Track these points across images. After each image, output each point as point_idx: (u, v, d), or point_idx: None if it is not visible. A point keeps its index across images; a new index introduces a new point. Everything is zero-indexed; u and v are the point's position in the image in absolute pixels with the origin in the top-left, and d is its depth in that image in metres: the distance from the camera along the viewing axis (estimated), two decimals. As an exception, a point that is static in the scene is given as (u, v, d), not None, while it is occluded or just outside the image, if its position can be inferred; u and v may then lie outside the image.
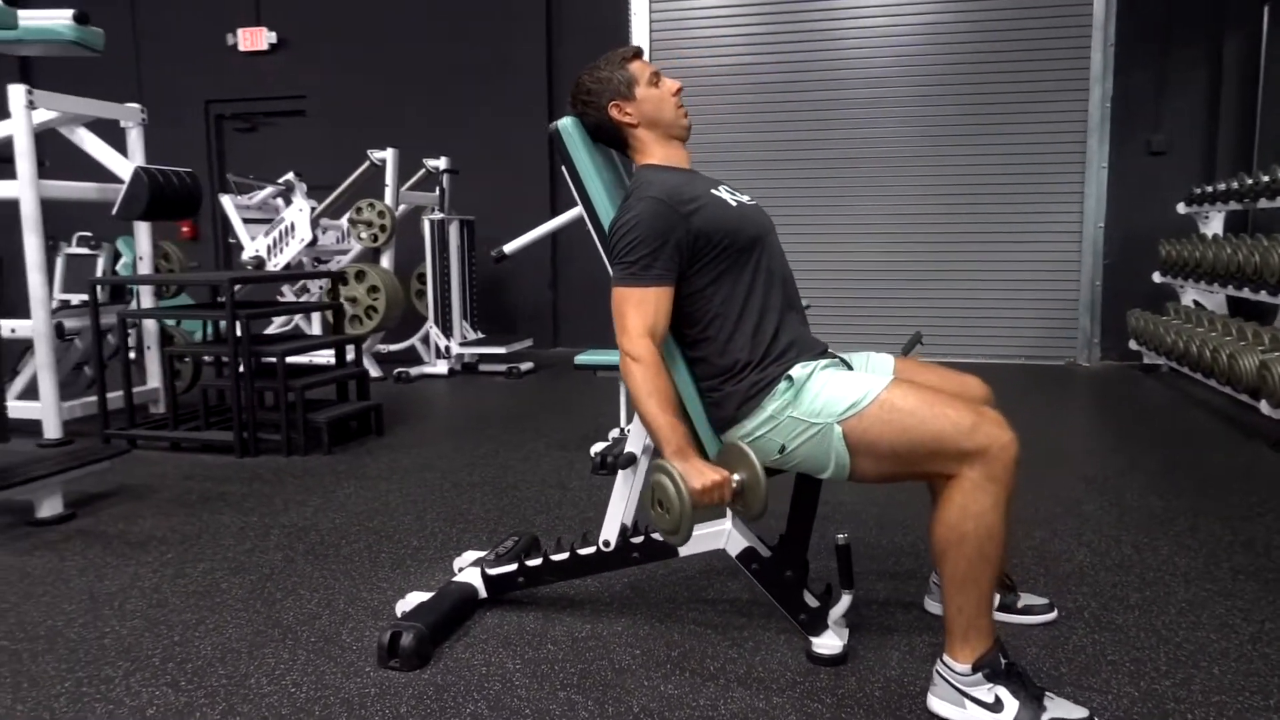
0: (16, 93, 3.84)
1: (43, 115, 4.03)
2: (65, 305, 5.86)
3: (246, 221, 6.25)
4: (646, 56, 6.69)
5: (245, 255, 6.03)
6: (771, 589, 1.99)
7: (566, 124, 1.96)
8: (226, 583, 2.41)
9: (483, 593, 2.19)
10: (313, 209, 5.86)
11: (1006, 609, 2.10)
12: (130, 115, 4.41)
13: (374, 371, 5.96)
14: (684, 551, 2.04)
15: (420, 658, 1.92)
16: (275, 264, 6.00)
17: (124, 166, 4.13)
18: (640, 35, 6.77)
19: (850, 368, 1.96)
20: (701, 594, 2.29)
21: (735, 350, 1.84)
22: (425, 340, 6.26)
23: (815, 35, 6.57)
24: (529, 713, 1.73)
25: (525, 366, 6.02)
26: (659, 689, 1.81)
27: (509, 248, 5.22)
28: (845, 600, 1.94)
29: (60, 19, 3.09)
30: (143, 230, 4.52)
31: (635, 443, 2.06)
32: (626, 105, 1.95)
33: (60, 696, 1.82)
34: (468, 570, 2.23)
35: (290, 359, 3.81)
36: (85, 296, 4.53)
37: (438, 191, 6.12)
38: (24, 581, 2.44)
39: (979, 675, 1.66)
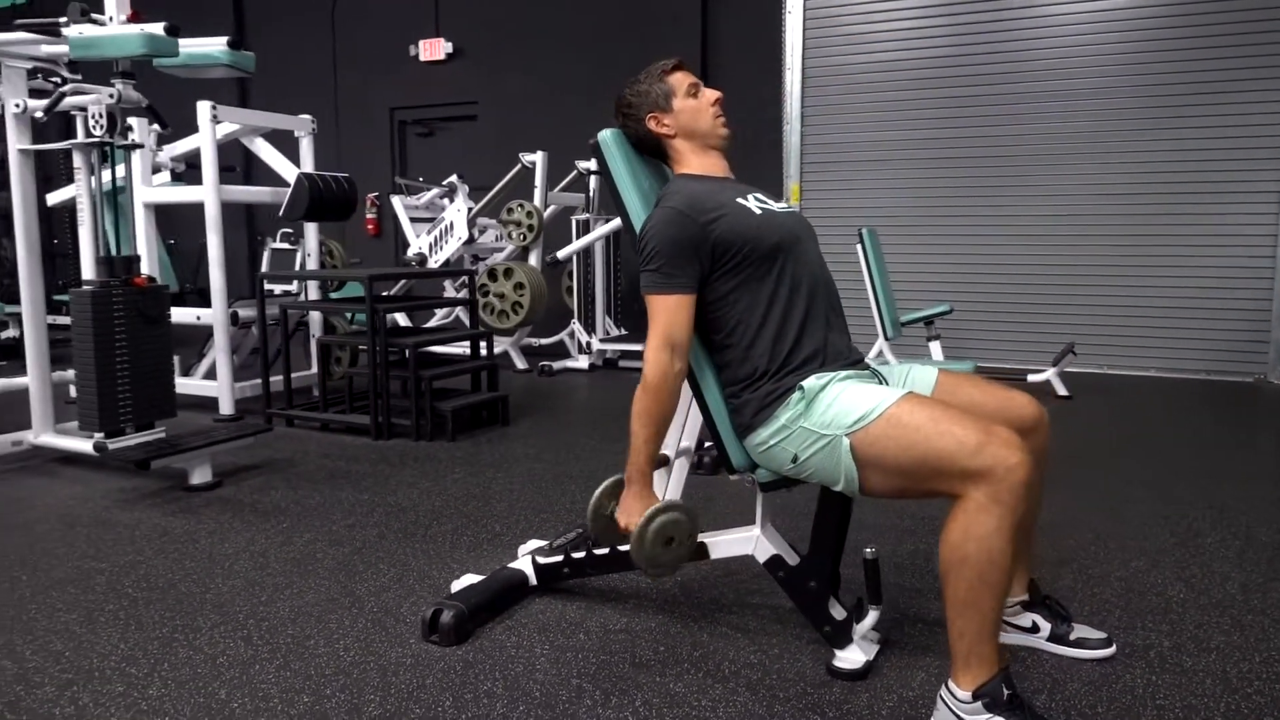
0: (203, 108, 4.35)
1: (226, 128, 4.54)
2: (270, 295, 6.55)
3: (414, 220, 6.73)
4: (795, 59, 6.66)
5: (410, 252, 6.49)
6: (797, 598, 1.99)
7: (605, 136, 2.04)
8: (322, 553, 2.66)
9: (533, 580, 2.31)
10: (470, 209, 6.22)
11: (1058, 640, 1.99)
12: (302, 125, 4.87)
13: (520, 364, 6.27)
14: (714, 555, 2.08)
15: (458, 634, 2.06)
16: (436, 260, 6.42)
17: (292, 172, 4.56)
18: (793, 34, 6.70)
19: (883, 380, 1.92)
20: (746, 598, 2.30)
21: (755, 358, 1.86)
22: (571, 335, 6.51)
23: (975, 26, 6.26)
24: (538, 695, 1.83)
25: (663, 364, 6.13)
26: (667, 686, 1.86)
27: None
28: (872, 616, 1.91)
29: (215, 45, 3.49)
30: (310, 230, 4.98)
31: (669, 445, 2.11)
32: (664, 117, 2.00)
33: (155, 640, 2.09)
34: (523, 558, 2.36)
35: (432, 349, 4.11)
36: (289, 287, 5.06)
37: (588, 192, 6.33)
38: (161, 539, 2.79)
39: (979, 704, 1.61)
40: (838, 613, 1.97)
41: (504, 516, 2.99)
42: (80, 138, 3.38)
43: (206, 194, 4.42)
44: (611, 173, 2.02)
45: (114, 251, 3.38)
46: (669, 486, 2.13)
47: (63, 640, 2.10)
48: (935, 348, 5.36)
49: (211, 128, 4.38)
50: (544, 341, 6.82)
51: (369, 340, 4.07)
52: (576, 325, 6.30)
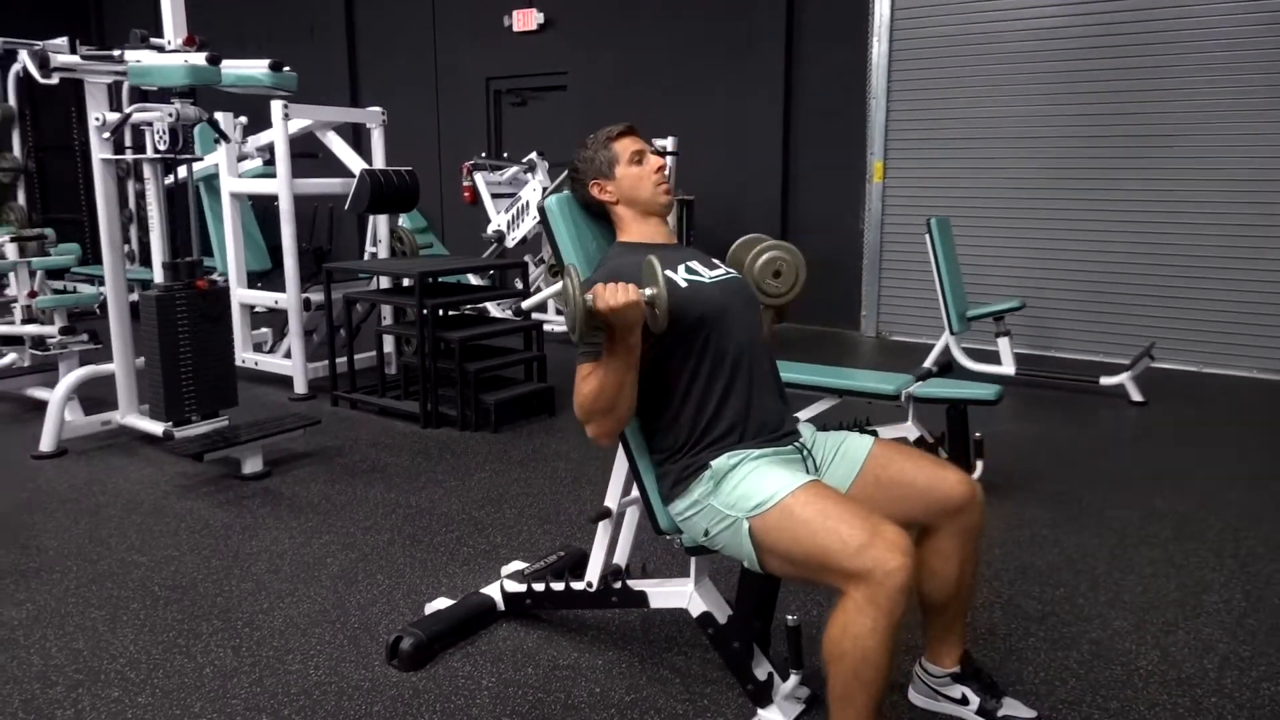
0: (276, 108, 4.60)
1: (298, 123, 4.79)
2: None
3: (496, 196, 6.91)
4: (884, 30, 6.39)
5: (489, 230, 6.69)
6: (722, 656, 2.06)
7: (551, 203, 2.09)
8: (332, 558, 2.88)
9: (501, 606, 2.45)
10: (545, 188, 6.34)
11: (986, 715, 1.98)
12: (372, 118, 5.08)
13: (590, 342, 6.40)
14: (653, 604, 2.17)
15: (415, 662, 2.23)
16: (513, 238, 6.60)
17: (358, 166, 4.78)
18: (882, 4, 6.43)
19: (808, 455, 1.93)
20: (699, 637, 2.37)
21: (676, 430, 1.91)
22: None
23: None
24: (466, 733, 1.98)
25: (729, 347, 6.14)
26: (587, 733, 1.98)
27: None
28: (792, 680, 1.96)
29: (258, 67, 3.69)
30: (381, 220, 5.21)
31: (611, 498, 2.19)
32: (607, 184, 2.04)
33: (160, 644, 2.35)
34: (500, 581, 2.51)
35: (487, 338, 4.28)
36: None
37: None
38: (200, 533, 3.08)
39: (852, 794, 1.65)
40: (761, 672, 2.02)
41: (509, 526, 3.15)
42: (149, 153, 3.66)
43: (280, 187, 4.70)
44: (554, 238, 2.08)
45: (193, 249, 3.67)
46: (609, 542, 2.21)
47: (85, 638, 2.39)
48: (1004, 344, 5.18)
49: (284, 125, 4.64)
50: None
51: (418, 332, 4.28)
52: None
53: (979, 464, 3.33)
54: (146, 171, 3.72)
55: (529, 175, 7.02)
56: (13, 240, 4.69)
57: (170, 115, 3.48)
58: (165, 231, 3.71)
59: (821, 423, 3.61)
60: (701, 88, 7.32)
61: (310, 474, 3.69)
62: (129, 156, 3.73)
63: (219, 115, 4.98)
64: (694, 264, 1.99)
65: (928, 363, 5.29)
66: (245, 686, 2.16)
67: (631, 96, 7.56)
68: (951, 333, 5.18)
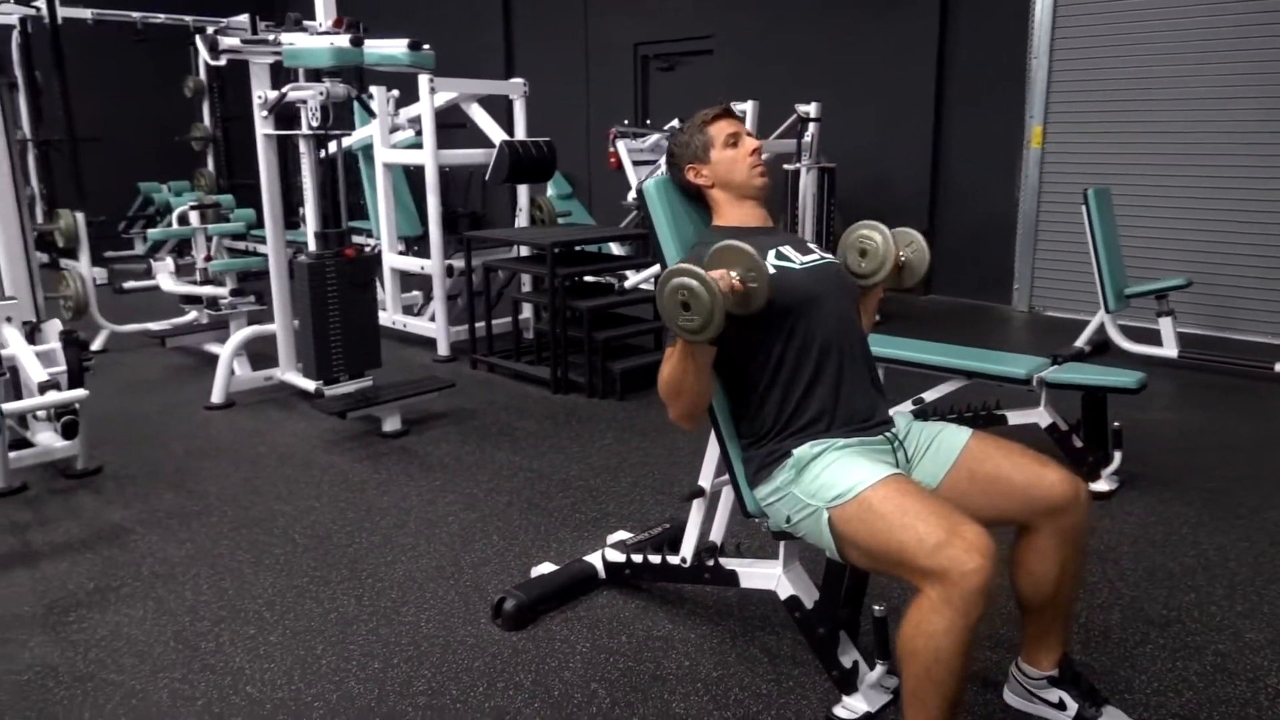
0: (422, 81, 4.80)
1: (444, 96, 4.98)
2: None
3: (638, 164, 6.96)
4: None
5: (630, 196, 6.75)
6: (808, 640, 2.06)
7: (649, 186, 2.11)
8: (454, 517, 3.05)
9: (602, 574, 2.54)
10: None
11: (1083, 722, 1.90)
12: (515, 90, 5.22)
13: (725, 311, 6.40)
14: (743, 584, 2.19)
15: (517, 622, 2.34)
16: (652, 206, 6.63)
17: (499, 137, 4.93)
18: (1049, -45, 6.00)
19: (900, 446, 1.89)
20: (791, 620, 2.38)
21: (763, 416, 1.91)
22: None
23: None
24: (555, 694, 2.07)
25: (867, 319, 5.98)
26: (670, 706, 2.03)
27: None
28: (878, 670, 1.94)
29: (398, 47, 3.84)
30: (523, 189, 5.36)
31: (705, 477, 2.21)
32: (702, 168, 2.04)
33: (294, 589, 2.57)
34: (604, 549, 2.59)
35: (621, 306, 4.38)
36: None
37: (799, 139, 6.20)
38: (340, 485, 3.33)
39: (922, 792, 1.63)
40: (847, 660, 2.01)
41: (622, 495, 3.22)
42: (303, 129, 3.90)
43: (426, 158, 4.92)
44: (653, 221, 2.10)
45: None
46: (702, 520, 2.24)
47: (232, 578, 2.64)
48: (1166, 325, 4.82)
49: (430, 98, 4.84)
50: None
51: (549, 300, 4.41)
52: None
53: (1117, 455, 3.14)
54: (301, 146, 3.97)
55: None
56: (192, 208, 5.14)
57: (321, 94, 3.70)
58: (317, 202, 3.96)
59: (950, 404, 3.54)
60: (849, 49, 7.09)
61: (444, 434, 3.90)
62: (284, 132, 4.00)
63: (373, 89, 5.23)
64: (787, 249, 1.97)
65: (1079, 342, 5.01)
66: (363, 634, 2.33)
67: (776, 59, 7.42)
68: (1107, 311, 4.86)
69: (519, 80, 5.22)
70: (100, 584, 2.62)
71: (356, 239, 4.64)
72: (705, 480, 2.21)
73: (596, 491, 3.26)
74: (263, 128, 4.09)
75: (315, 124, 3.82)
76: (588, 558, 2.58)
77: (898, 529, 1.62)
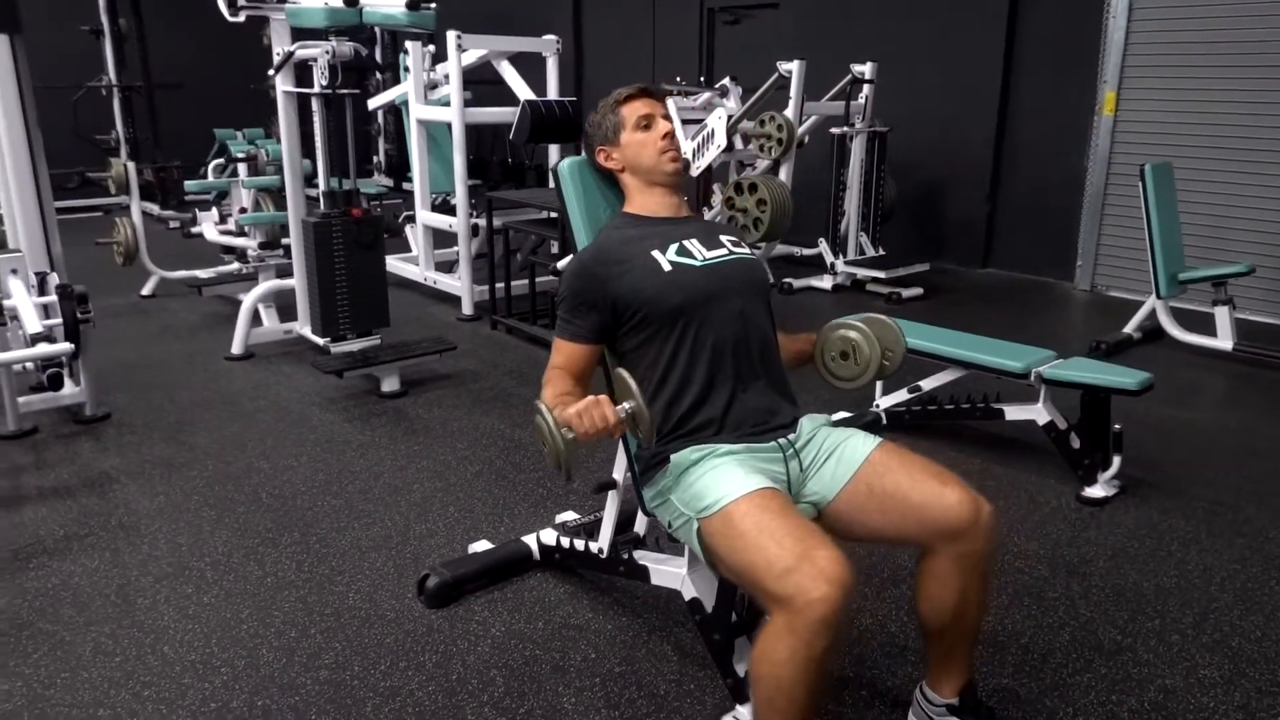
0: (450, 38, 4.76)
1: (474, 54, 4.93)
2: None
3: (687, 122, 6.78)
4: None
5: (676, 157, 6.60)
6: (707, 645, 1.99)
7: (563, 167, 2.03)
8: (419, 484, 3.07)
9: (536, 556, 2.51)
10: (730, 116, 6.14)
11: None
12: (547, 47, 5.13)
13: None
14: (653, 580, 2.13)
15: (438, 600, 2.34)
16: (697, 167, 6.46)
17: (526, 95, 4.87)
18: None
19: (787, 453, 1.78)
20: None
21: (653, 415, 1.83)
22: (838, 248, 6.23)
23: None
24: (455, 677, 2.07)
25: (910, 292, 5.75)
26: (560, 702, 1.99)
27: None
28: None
29: (397, 6, 3.79)
30: (553, 150, 5.30)
31: (618, 468, 2.15)
32: (612, 151, 1.95)
33: (242, 550, 2.63)
34: (535, 533, 2.56)
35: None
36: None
37: (848, 101, 5.93)
38: (324, 445, 3.38)
39: (765, 820, 1.56)
40: (741, 668, 1.94)
41: (592, 472, 3.15)
42: (315, 88, 3.92)
43: (453, 116, 4.90)
44: (563, 203, 2.02)
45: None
46: (617, 511, 2.18)
47: (189, 534, 2.72)
48: (1222, 315, 4.47)
49: (457, 55, 4.80)
50: (806, 252, 6.66)
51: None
52: (821, 243, 6.07)
53: (1115, 460, 2.93)
54: (314, 104, 3.99)
55: (723, 101, 6.83)
56: (237, 160, 5.25)
57: (327, 53, 3.70)
58: (326, 161, 3.99)
59: (951, 394, 3.37)
60: (915, 7, 6.71)
61: (439, 397, 3.92)
62: (299, 90, 4.03)
63: (409, 45, 5.22)
64: (692, 242, 1.86)
65: (1129, 328, 4.71)
66: (291, 601, 2.38)
67: (841, 14, 7.09)
68: (1159, 296, 4.54)
69: (551, 37, 5.12)
70: (69, 532, 2.73)
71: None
72: (618, 472, 2.16)
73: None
74: (282, 84, 4.12)
75: (324, 83, 3.83)
76: (526, 538, 2.56)
77: (750, 549, 1.53)
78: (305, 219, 3.91)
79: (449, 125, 4.99)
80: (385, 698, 2.01)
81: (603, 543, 2.23)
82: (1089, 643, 2.21)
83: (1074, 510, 2.89)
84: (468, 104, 5.08)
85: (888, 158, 6.12)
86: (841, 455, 1.79)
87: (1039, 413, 3.05)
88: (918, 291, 5.79)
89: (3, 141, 3.43)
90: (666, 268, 1.80)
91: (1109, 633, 2.25)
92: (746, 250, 1.94)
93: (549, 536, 2.48)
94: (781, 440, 1.80)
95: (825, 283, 6.00)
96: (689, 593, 2.01)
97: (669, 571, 2.07)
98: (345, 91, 3.87)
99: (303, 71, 4.06)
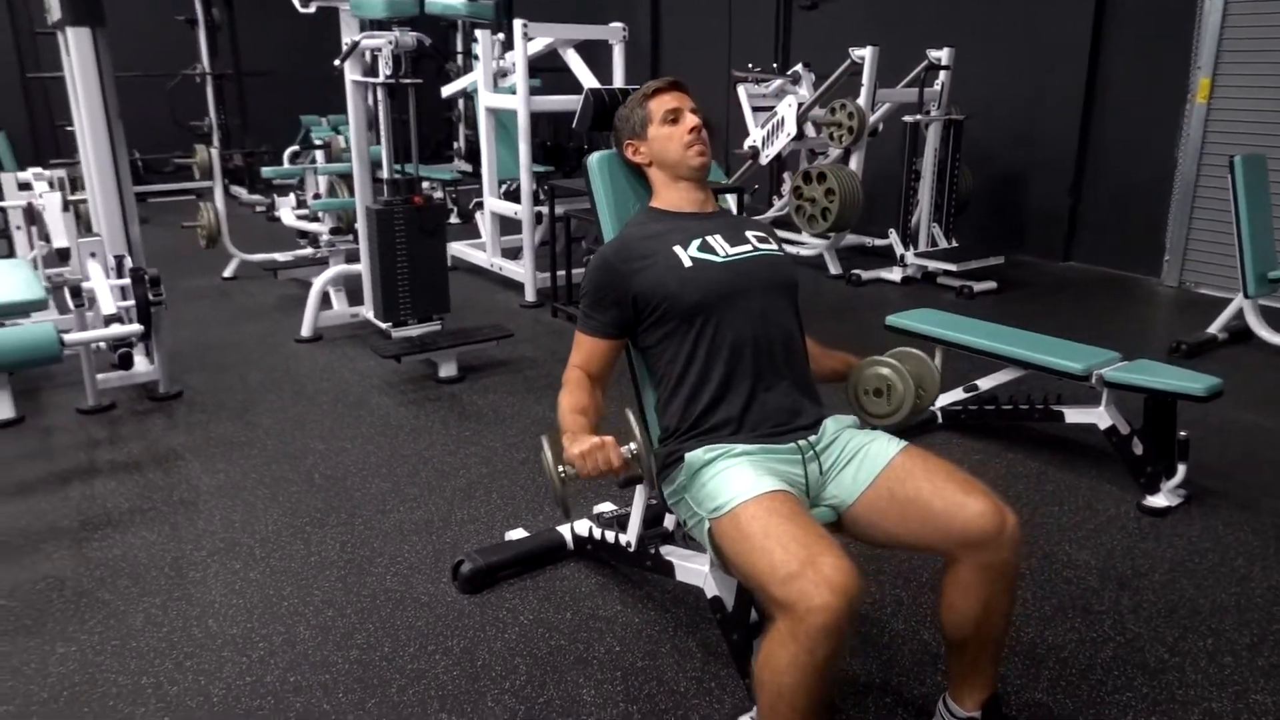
0: (516, 26, 4.79)
1: (539, 43, 4.96)
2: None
3: (757, 110, 6.72)
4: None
5: (745, 144, 6.53)
6: (727, 644, 1.98)
7: (592, 160, 2.02)
8: (465, 470, 3.12)
9: (570, 546, 2.53)
10: (800, 104, 6.04)
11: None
12: (613, 34, 5.12)
13: (833, 269, 6.13)
14: (678, 576, 2.12)
15: (470, 586, 2.38)
16: (767, 155, 6.39)
17: (590, 83, 4.86)
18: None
19: (806, 455, 1.75)
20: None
21: (671, 413, 1.82)
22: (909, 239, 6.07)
23: None
24: (480, 663, 2.10)
25: (981, 286, 5.57)
26: (579, 693, 2.01)
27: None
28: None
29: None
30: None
31: (645, 464, 2.14)
32: (640, 145, 1.93)
33: (289, 529, 2.72)
34: (570, 523, 2.58)
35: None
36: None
37: (922, 88, 5.77)
38: (379, 428, 3.47)
39: (766, 825, 1.55)
40: (760, 670, 1.92)
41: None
42: (380, 77, 3.99)
43: (519, 104, 4.94)
44: (592, 196, 2.01)
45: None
46: (644, 505, 2.18)
47: (242, 511, 2.82)
48: (1315, 315, 4.21)
49: (524, 43, 4.83)
50: (878, 243, 6.52)
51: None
52: (892, 234, 5.93)
53: (1180, 468, 2.80)
54: (378, 93, 4.07)
55: (795, 88, 6.73)
56: (315, 146, 5.40)
57: (390, 43, 3.77)
58: (389, 149, 4.06)
59: (1009, 394, 3.26)
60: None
61: (495, 383, 3.98)
62: (365, 79, 4.11)
63: (479, 33, 5.27)
64: (715, 238, 1.84)
65: (1214, 328, 4.49)
66: (331, 580, 2.45)
67: (920, 3, 6.90)
68: (1247, 296, 4.30)
69: (617, 25, 5.11)
70: (134, 505, 2.87)
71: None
72: (645, 467, 2.14)
73: (613, 456, 3.23)
74: (351, 73, 4.22)
75: (388, 72, 3.91)
76: (561, 527, 2.58)
77: (755, 552, 1.51)
78: (369, 206, 4.00)
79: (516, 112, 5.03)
80: (411, 679, 2.05)
81: (630, 536, 2.23)
82: (1133, 660, 2.12)
83: (1133, 520, 2.77)
84: (536, 92, 5.12)
85: (963, 146, 5.94)
86: (864, 459, 1.76)
87: (1100, 416, 2.93)
88: (990, 285, 5.61)
89: (85, 130, 3.59)
90: (688, 264, 1.78)
91: (1156, 650, 2.16)
92: (774, 247, 1.90)
93: (583, 527, 2.49)
94: (802, 442, 1.77)
95: (895, 275, 5.87)
96: (711, 590, 1.99)
97: (693, 569, 2.06)
98: (409, 81, 3.93)
99: (371, 60, 4.14)
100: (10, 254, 4.01)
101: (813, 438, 1.78)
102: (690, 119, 1.90)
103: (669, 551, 2.16)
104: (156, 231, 7.19)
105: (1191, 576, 2.47)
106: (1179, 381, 2.76)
